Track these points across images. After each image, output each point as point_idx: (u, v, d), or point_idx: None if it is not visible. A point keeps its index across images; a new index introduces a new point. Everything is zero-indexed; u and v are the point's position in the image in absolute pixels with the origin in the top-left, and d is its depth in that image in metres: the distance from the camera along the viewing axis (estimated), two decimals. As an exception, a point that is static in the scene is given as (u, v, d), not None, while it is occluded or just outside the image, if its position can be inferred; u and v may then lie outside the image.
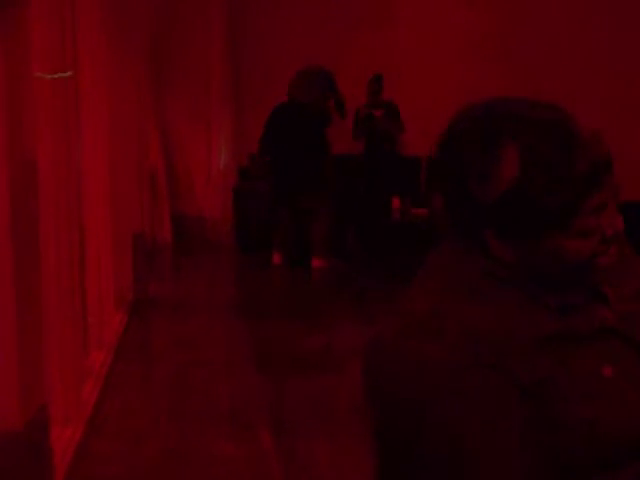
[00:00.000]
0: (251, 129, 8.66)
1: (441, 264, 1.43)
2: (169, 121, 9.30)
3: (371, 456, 1.42)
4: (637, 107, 9.16)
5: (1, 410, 2.79)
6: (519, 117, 1.34)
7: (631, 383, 1.35)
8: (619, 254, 1.38)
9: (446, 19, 9.48)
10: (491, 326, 1.31)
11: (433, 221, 8.26)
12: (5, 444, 2.77)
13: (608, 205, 1.35)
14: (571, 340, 1.33)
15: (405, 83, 9.16)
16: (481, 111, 1.39)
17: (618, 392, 1.33)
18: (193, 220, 9.45)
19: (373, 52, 9.28)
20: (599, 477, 1.31)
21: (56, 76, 3.60)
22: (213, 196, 9.52)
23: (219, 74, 9.42)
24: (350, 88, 8.52)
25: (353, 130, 8.90)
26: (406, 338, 1.34)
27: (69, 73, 3.87)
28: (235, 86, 9.50)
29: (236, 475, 3.83)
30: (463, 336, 1.30)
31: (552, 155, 1.30)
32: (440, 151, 1.42)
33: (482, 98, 1.46)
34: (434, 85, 9.13)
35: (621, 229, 1.37)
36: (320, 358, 5.52)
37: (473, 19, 9.28)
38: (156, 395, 4.91)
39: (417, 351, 1.31)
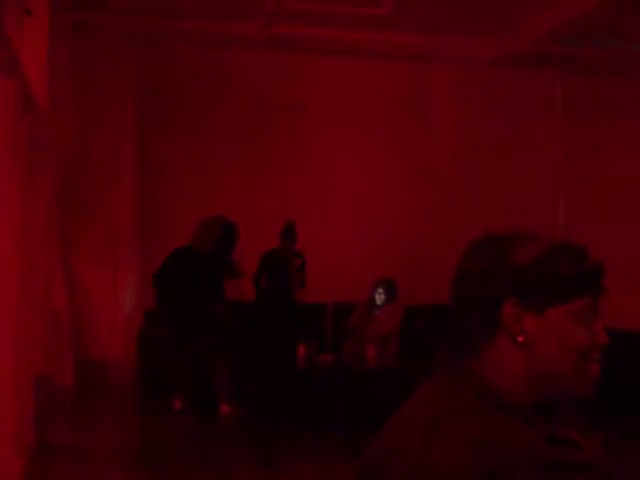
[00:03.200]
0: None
1: (436, 387, 1.52)
2: (75, 263, 9.25)
3: None
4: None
5: None
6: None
7: None
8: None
9: (360, 165, 9.81)
10: (490, 437, 1.38)
11: (341, 365, 8.30)
12: None
13: (600, 315, 1.52)
14: (562, 469, 1.41)
15: (314, 230, 9.34)
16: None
17: None
18: (97, 364, 9.26)
19: (283, 197, 9.49)
20: None
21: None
22: (118, 340, 9.45)
23: (128, 216, 9.53)
24: (257, 232, 8.65)
25: (257, 276, 9.00)
26: (412, 442, 1.40)
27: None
28: (143, 229, 9.58)
29: None
30: (466, 442, 1.36)
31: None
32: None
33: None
34: (341, 233, 9.35)
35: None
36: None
37: (384, 164, 9.65)
38: None
39: (424, 454, 1.37)
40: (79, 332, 9.22)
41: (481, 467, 1.34)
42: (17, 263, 5.60)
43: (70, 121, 8.59)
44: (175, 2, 8.58)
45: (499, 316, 1.49)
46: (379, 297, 8.75)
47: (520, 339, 1.49)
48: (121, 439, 7.40)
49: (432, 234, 9.67)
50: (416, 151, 10.02)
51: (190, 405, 8.16)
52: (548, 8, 8.22)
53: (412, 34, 9.15)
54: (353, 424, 7.07)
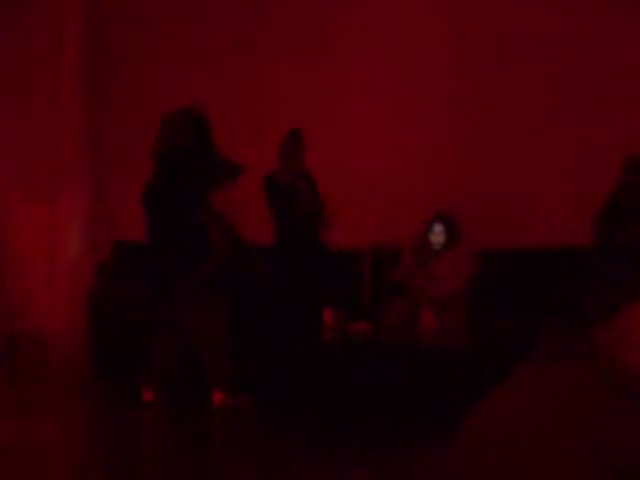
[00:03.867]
0: (118, 206, 7.03)
1: None
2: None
3: None
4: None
5: None
6: None
7: None
8: None
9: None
10: None
11: (382, 338, 5.91)
12: None
13: None
14: None
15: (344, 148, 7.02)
16: None
17: None
18: (29, 337, 7.23)
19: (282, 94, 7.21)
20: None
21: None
22: (58, 303, 7.33)
23: (72, 128, 7.22)
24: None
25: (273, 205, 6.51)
26: None
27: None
28: (94, 144, 7.37)
29: None
30: None
31: None
32: None
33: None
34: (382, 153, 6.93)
35: None
36: None
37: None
38: None
39: None
40: (2, 293, 7.30)
41: None
42: None
43: None
44: None
45: None
46: (437, 238, 6.35)
47: None
48: (61, 439, 5.28)
49: (500, 164, 7.23)
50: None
51: (166, 394, 5.85)
52: None
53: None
54: (394, 426, 5.06)
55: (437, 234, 6.35)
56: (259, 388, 5.88)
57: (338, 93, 7.33)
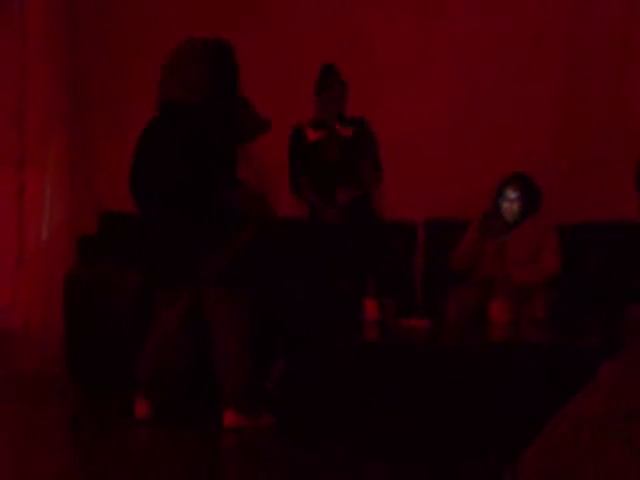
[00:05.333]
0: (103, 169, 5.85)
1: None
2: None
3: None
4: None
5: None
6: None
7: None
8: None
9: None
10: None
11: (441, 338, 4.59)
12: None
13: None
14: None
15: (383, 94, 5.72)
16: None
17: None
18: None
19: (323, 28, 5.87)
20: None
21: None
22: (27, 289, 6.02)
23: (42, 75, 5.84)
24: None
25: (290, 171, 5.20)
26: None
27: None
28: (71, 99, 6.04)
29: None
30: None
31: None
32: None
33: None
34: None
35: None
36: None
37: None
38: None
39: None
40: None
41: None
42: None
43: None
44: None
45: None
46: (510, 206, 4.95)
47: None
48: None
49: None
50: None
51: (164, 410, 4.50)
52: None
53: None
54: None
55: (510, 200, 4.97)
56: (283, 403, 4.54)
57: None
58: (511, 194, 4.94)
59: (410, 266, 5.66)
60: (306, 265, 5.18)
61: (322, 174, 5.23)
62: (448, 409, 4.12)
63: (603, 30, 5.79)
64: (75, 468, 3.89)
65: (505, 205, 4.95)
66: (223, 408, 4.33)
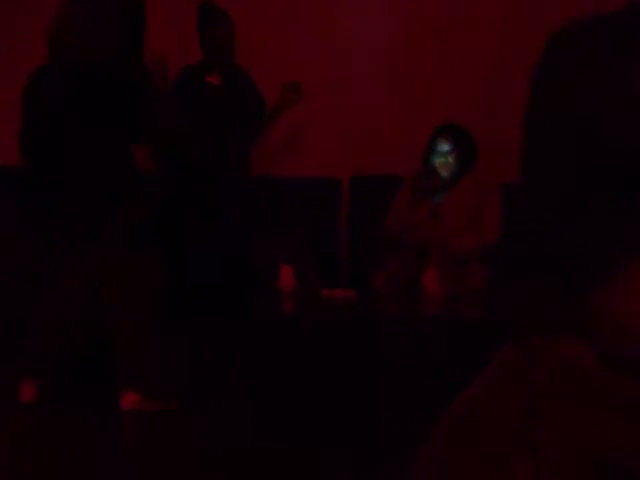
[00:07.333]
0: None
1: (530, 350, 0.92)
2: None
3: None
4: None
5: None
6: None
7: None
8: None
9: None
10: (617, 444, 0.84)
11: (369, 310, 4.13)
12: None
13: None
14: None
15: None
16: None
17: None
18: None
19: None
20: None
21: None
22: None
23: None
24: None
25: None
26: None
27: None
28: None
29: None
30: (570, 455, 0.85)
31: None
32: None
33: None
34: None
35: None
36: None
37: None
38: None
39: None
40: None
41: None
42: None
43: None
44: None
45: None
46: (444, 161, 4.36)
47: None
48: None
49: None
50: None
51: (53, 391, 4.00)
52: None
53: None
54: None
55: (443, 154, 4.33)
56: (189, 384, 4.03)
57: None
58: (444, 146, 4.36)
59: (334, 229, 5.07)
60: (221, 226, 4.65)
61: None
62: (375, 388, 3.71)
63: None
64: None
65: (438, 160, 4.38)
66: (122, 390, 3.84)
